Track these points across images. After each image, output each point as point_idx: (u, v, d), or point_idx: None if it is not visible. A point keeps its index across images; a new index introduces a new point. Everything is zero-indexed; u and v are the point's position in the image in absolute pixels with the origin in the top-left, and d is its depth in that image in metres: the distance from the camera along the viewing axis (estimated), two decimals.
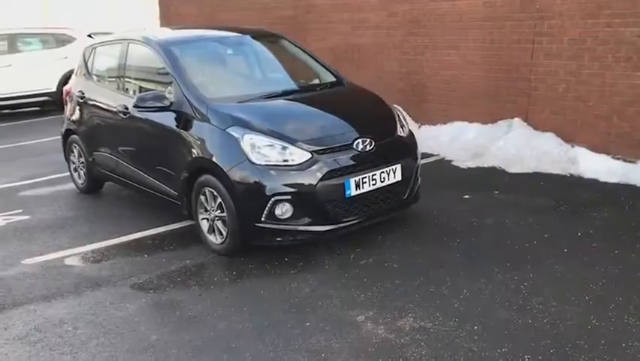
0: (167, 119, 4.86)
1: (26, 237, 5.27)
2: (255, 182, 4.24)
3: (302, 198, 4.25)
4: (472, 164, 6.85)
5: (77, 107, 6.24)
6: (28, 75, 12.15)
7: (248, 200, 4.29)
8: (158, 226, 5.29)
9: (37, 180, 7.21)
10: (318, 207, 4.29)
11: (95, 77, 6.15)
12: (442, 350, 3.17)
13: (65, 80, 12.49)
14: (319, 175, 4.26)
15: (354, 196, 4.39)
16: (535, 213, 5.16)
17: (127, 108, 5.33)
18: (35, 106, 12.90)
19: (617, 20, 6.19)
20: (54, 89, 12.54)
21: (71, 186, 6.76)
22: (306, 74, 5.60)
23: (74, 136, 6.40)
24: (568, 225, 4.88)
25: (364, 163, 4.46)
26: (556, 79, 6.76)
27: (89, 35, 13.76)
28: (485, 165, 6.76)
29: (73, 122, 6.34)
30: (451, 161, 6.99)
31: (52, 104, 12.77)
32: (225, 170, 4.33)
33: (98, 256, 4.74)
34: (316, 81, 5.48)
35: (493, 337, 3.27)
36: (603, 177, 6.10)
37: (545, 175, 6.35)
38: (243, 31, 5.93)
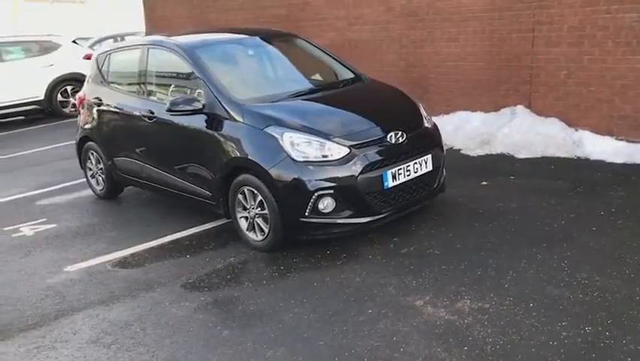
0: (199, 122, 4.95)
1: (60, 245, 5.31)
2: (298, 178, 4.37)
3: (343, 191, 4.39)
4: (480, 152, 7.08)
5: (94, 114, 6.27)
6: (14, 84, 12.01)
7: (291, 196, 4.41)
8: (190, 227, 5.38)
9: (50, 188, 7.21)
10: (358, 200, 4.43)
11: (112, 84, 6.18)
12: (505, 327, 3.35)
13: (53, 87, 12.47)
14: (359, 169, 4.40)
15: (391, 187, 4.54)
16: (555, 196, 5.38)
17: (153, 113, 5.40)
18: (20, 115, 12.74)
19: (615, 6, 6.45)
20: (42, 97, 12.45)
21: (88, 192, 6.80)
22: (326, 72, 5.74)
23: (91, 143, 6.43)
24: (589, 205, 5.10)
25: (398, 155, 4.62)
26: (558, 66, 7.00)
27: (74, 41, 13.69)
28: (494, 152, 6.99)
29: (90, 129, 6.37)
30: (459, 150, 7.20)
31: (39, 112, 12.67)
32: (267, 168, 4.44)
33: (139, 260, 4.81)
34: (337, 78, 5.61)
35: (550, 313, 3.46)
36: (609, 158, 6.37)
37: (553, 159, 6.60)
38: (258, 32, 6.04)
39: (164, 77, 5.63)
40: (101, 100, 6.17)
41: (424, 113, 5.17)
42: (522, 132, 7.17)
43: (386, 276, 4.11)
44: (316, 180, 4.36)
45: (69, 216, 6.11)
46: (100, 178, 6.48)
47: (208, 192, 5.07)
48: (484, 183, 5.95)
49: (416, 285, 3.94)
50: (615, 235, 4.47)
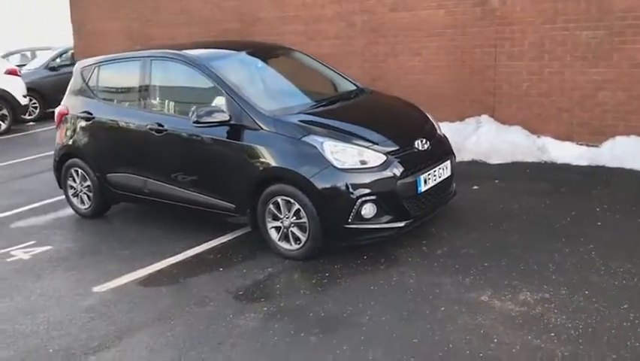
0: (221, 133, 4.91)
1: (70, 266, 5.04)
2: (342, 186, 4.47)
3: (384, 197, 4.54)
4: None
5: (81, 129, 6.00)
6: None
7: (335, 204, 4.50)
8: (205, 242, 5.29)
9: (18, 210, 6.77)
10: (397, 205, 4.60)
11: (102, 97, 5.95)
12: (576, 313, 3.65)
13: None
14: (397, 175, 4.58)
15: (423, 192, 4.76)
16: (546, 196, 5.84)
17: (162, 125, 5.28)
18: None
19: (572, 24, 7.11)
20: None
21: (65, 212, 6.49)
22: (333, 84, 5.87)
23: (75, 160, 6.14)
24: (581, 203, 5.58)
25: (426, 161, 4.85)
26: (520, 78, 7.58)
27: (4, 57, 12.85)
28: (466, 159, 7.40)
29: (75, 145, 6.08)
30: None
31: None
32: (308, 177, 4.51)
33: (170, 276, 4.68)
34: (345, 90, 5.76)
35: (608, 298, 3.80)
36: (575, 162, 6.98)
37: (524, 163, 7.13)
38: (257, 45, 6.08)
39: (174, 89, 5.53)
40: (90, 113, 5.92)
41: (434, 121, 5.44)
42: (489, 140, 7.67)
43: (437, 276, 4.29)
44: (359, 187, 4.48)
45: (60, 237, 5.78)
46: (85, 197, 6.18)
47: (231, 204, 5.03)
48: (475, 187, 6.31)
49: (470, 282, 4.16)
50: (620, 227, 4.95)
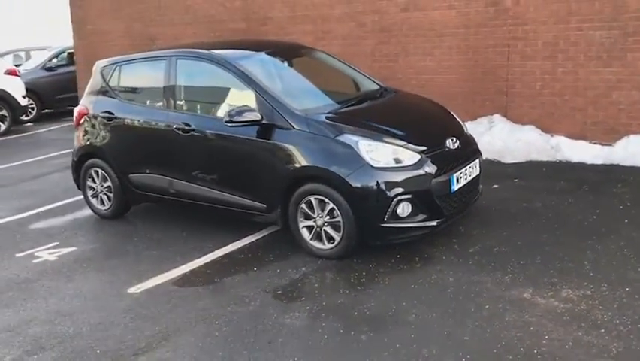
0: (252, 133, 4.90)
1: (99, 267, 4.99)
2: (377, 185, 4.47)
3: (419, 196, 4.56)
4: None
5: (102, 129, 5.96)
6: None
7: (370, 203, 4.50)
8: (232, 241, 5.27)
9: (34, 211, 6.69)
10: (431, 204, 4.61)
11: (124, 96, 5.91)
12: (621, 309, 3.69)
13: None
14: (432, 173, 4.60)
15: (455, 191, 4.78)
16: (569, 194, 5.89)
17: (189, 125, 5.26)
18: None
19: (586, 24, 7.19)
20: None
21: (83, 213, 6.42)
22: (358, 83, 5.87)
23: (96, 160, 6.09)
24: (605, 201, 5.64)
25: (457, 160, 4.87)
26: (533, 77, 7.64)
27: None
28: None
29: (96, 145, 6.03)
30: None
31: None
32: (344, 176, 4.51)
33: (205, 276, 4.66)
34: (369, 89, 5.76)
35: None
36: (590, 160, 7.06)
37: (539, 162, 7.19)
38: (279, 45, 6.07)
39: (201, 89, 5.51)
40: (112, 113, 5.87)
41: (460, 120, 5.47)
42: (503, 139, 7.72)
43: (475, 274, 4.32)
44: (395, 185, 4.49)
45: (82, 238, 5.73)
46: (105, 197, 6.13)
47: (261, 204, 5.02)
48: (495, 186, 6.35)
49: (509, 280, 4.19)
50: None
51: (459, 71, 8.17)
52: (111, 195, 6.06)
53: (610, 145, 7.14)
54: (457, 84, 8.18)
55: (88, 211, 6.38)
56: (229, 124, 4.85)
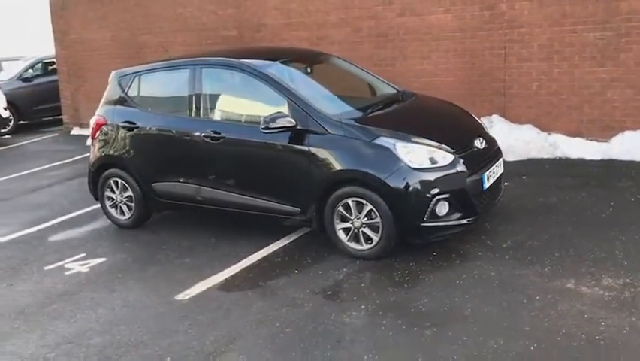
0: (284, 139, 4.99)
1: (136, 277, 5.00)
2: (417, 185, 4.62)
3: (456, 195, 4.72)
4: None
5: (123, 139, 5.95)
6: None
7: (410, 203, 4.65)
8: (265, 246, 5.34)
9: (48, 224, 6.63)
10: (466, 202, 4.79)
11: (146, 106, 5.93)
12: None
13: None
14: (466, 172, 4.78)
15: (486, 189, 4.97)
16: (579, 189, 6.16)
17: (218, 133, 5.32)
18: None
19: (580, 26, 7.51)
20: None
21: (99, 224, 6.41)
22: (376, 88, 6.02)
23: (115, 170, 6.08)
24: (616, 195, 5.91)
25: (486, 159, 5.07)
26: (529, 78, 7.93)
27: None
28: None
29: (115, 155, 6.02)
30: None
31: None
32: (383, 178, 4.64)
33: (247, 281, 4.73)
34: (390, 93, 5.90)
35: None
36: (588, 157, 7.36)
37: (540, 160, 7.48)
38: (297, 52, 6.17)
39: (230, 97, 5.57)
40: (133, 123, 5.87)
41: (481, 121, 5.67)
42: (502, 139, 7.91)
43: (514, 268, 4.50)
44: (433, 185, 4.65)
45: (108, 249, 5.71)
46: (125, 207, 6.11)
47: (295, 208, 5.11)
48: (506, 183, 6.55)
49: (549, 272, 4.39)
50: None
51: (456, 73, 8.41)
52: (132, 204, 6.05)
53: (606, 141, 7.47)
54: (455, 86, 8.40)
55: (103, 222, 6.37)
56: (265, 131, 4.93)
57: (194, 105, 5.54)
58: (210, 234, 5.77)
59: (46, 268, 5.36)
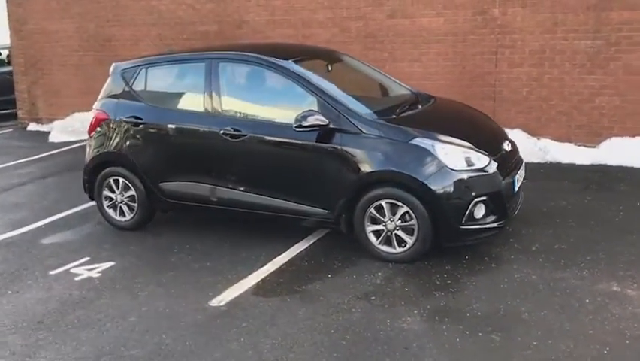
0: (312, 138, 4.83)
1: (155, 282, 4.70)
2: (458, 187, 4.56)
3: (492, 197, 4.69)
4: None
5: (127, 135, 5.60)
6: None
7: (450, 205, 4.58)
8: (287, 249, 5.14)
9: (33, 225, 6.15)
10: (500, 205, 4.76)
11: (153, 100, 5.60)
12: None
13: None
14: (501, 175, 4.75)
15: (516, 191, 4.97)
16: (584, 193, 6.28)
17: (239, 130, 5.08)
18: None
19: (571, 34, 7.69)
20: None
21: (92, 225, 6.02)
22: (392, 88, 5.92)
23: (116, 168, 5.72)
24: (620, 198, 6.06)
25: (513, 162, 5.07)
26: (520, 84, 8.06)
27: None
28: None
29: (117, 152, 5.66)
30: None
31: None
32: (422, 180, 4.55)
33: (281, 285, 4.52)
34: (411, 94, 5.80)
35: None
36: (578, 161, 7.55)
37: (532, 164, 7.49)
38: (314, 49, 6.01)
39: (253, 92, 5.35)
40: (139, 118, 5.54)
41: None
42: None
43: (553, 271, 4.50)
44: (472, 187, 4.60)
45: (114, 252, 5.34)
46: (125, 207, 5.76)
47: (323, 210, 4.95)
48: None
49: (589, 275, 4.41)
50: None
51: (447, 77, 8.44)
52: (134, 205, 5.70)
53: (593, 147, 7.67)
54: (445, 90, 8.39)
55: (97, 223, 6.02)
56: (298, 129, 4.74)
57: (211, 101, 5.27)
58: (220, 236, 5.51)
59: (50, 273, 4.96)
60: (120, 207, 5.79)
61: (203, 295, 4.40)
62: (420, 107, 5.34)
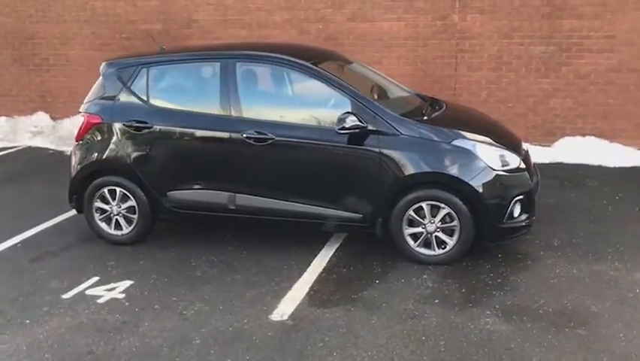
0: (344, 140, 4.71)
1: (194, 298, 4.34)
2: (500, 187, 4.65)
3: (527, 196, 4.82)
4: None
5: (129, 141, 5.14)
6: None
7: (493, 205, 4.63)
8: (315, 255, 5.00)
9: (8, 244, 5.47)
10: (531, 203, 4.90)
11: (159, 102, 5.16)
12: None
13: None
14: (532, 175, 4.91)
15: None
16: (564, 190, 6.62)
17: (264, 134, 4.84)
18: None
19: (527, 40, 8.13)
20: None
21: (79, 241, 5.48)
22: (399, 91, 5.89)
23: (111, 177, 5.23)
24: (596, 193, 6.42)
25: (531, 162, 5.26)
26: (479, 87, 8.39)
27: None
28: None
29: (114, 160, 5.18)
30: None
31: None
32: (467, 180, 4.58)
33: (332, 295, 4.34)
34: (424, 99, 5.79)
35: None
36: (538, 160, 7.90)
37: None
38: (316, 50, 5.84)
39: (278, 94, 5.12)
40: (144, 122, 5.09)
41: None
42: None
43: (588, 265, 4.70)
44: (512, 187, 4.70)
45: (123, 270, 4.85)
46: (122, 220, 5.27)
47: (356, 214, 4.84)
48: None
49: (622, 267, 4.65)
50: None
51: (408, 80, 8.52)
52: (134, 216, 5.23)
53: (548, 146, 8.15)
54: None
55: (82, 238, 5.48)
56: (342, 131, 4.59)
57: (229, 103, 4.95)
58: (234, 246, 5.22)
59: (63, 296, 4.42)
60: (117, 219, 5.27)
61: (258, 310, 4.12)
62: (441, 109, 5.35)
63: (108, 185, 5.22)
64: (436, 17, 8.34)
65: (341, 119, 4.58)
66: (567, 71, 8.07)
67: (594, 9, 7.82)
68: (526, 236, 5.23)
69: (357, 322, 3.93)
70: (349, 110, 4.71)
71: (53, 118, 9.82)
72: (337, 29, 8.67)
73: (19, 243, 5.47)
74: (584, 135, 8.14)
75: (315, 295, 4.33)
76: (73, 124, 9.36)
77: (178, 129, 5.04)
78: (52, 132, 9.53)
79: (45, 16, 9.68)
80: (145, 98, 5.16)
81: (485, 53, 8.26)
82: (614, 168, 7.44)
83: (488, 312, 4.02)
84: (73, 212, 5.84)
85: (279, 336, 3.77)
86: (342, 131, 4.59)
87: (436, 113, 5.20)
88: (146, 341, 3.75)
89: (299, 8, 8.73)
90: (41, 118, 9.81)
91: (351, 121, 4.59)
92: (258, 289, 4.43)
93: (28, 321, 4.05)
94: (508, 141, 5.08)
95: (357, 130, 4.62)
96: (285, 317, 4.02)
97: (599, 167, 7.50)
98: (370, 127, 4.67)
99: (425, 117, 4.99)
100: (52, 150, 8.98)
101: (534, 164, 5.27)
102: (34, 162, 8.43)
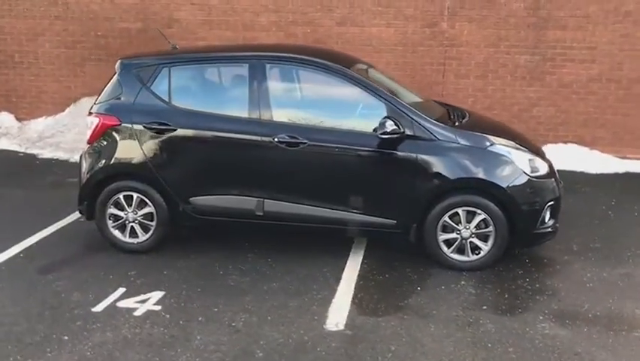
0: (386, 146, 4.67)
1: (237, 309, 4.15)
2: (536, 192, 4.71)
3: (557, 201, 4.90)
4: None
5: (149, 144, 4.88)
6: None
7: (528, 210, 4.68)
8: (344, 261, 4.93)
9: (8, 255, 5.06)
10: (559, 209, 5.00)
11: (183, 104, 4.93)
12: None
13: None
14: (558, 180, 5.00)
15: None
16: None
17: (296, 138, 4.72)
18: None
19: (513, 49, 8.33)
20: None
21: (86, 248, 5.18)
22: (417, 97, 5.86)
23: (127, 182, 4.96)
24: (591, 198, 6.63)
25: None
26: (466, 94, 8.52)
27: None
28: None
29: (133, 164, 4.92)
30: None
31: None
32: (505, 186, 4.61)
33: (380, 303, 4.27)
34: (436, 103, 5.80)
35: None
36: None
37: None
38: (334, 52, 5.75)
39: (308, 98, 5.00)
40: (166, 124, 4.85)
41: None
42: None
43: (613, 268, 4.83)
44: (545, 192, 4.78)
45: (150, 279, 4.58)
46: (138, 227, 5.01)
47: (391, 220, 4.79)
48: None
49: None
50: None
51: None
52: (151, 223, 4.97)
53: None
54: None
55: (89, 246, 5.18)
56: (383, 136, 4.52)
57: (258, 106, 4.79)
58: (257, 254, 5.05)
59: (94, 310, 4.12)
60: (132, 226, 4.99)
61: (309, 320, 4.00)
62: (465, 115, 5.36)
63: (124, 190, 4.94)
64: (424, 24, 8.41)
65: (382, 124, 4.51)
66: (551, 80, 8.31)
67: (577, 21, 8.10)
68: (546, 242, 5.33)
69: (416, 330, 3.87)
70: (385, 115, 4.64)
71: (19, 119, 9.26)
72: (326, 33, 8.59)
73: (20, 253, 5.07)
74: (565, 143, 8.41)
75: (360, 304, 4.24)
76: (44, 125, 8.92)
77: (203, 132, 4.83)
78: (18, 134, 8.97)
79: (11, 11, 9.11)
80: (167, 98, 4.91)
81: (472, 60, 8.40)
82: (597, 175, 7.70)
83: (541, 317, 4.05)
84: (68, 219, 5.56)
85: (344, 347, 3.66)
86: (384, 136, 4.52)
87: (465, 120, 5.20)
88: (206, 356, 3.55)
89: (287, 11, 8.60)
90: (6, 118, 9.22)
91: (390, 125, 4.53)
92: (300, 298, 4.29)
93: (66, 338, 3.75)
94: (533, 148, 5.15)
95: (395, 135, 4.56)
96: (342, 327, 3.90)
97: (582, 173, 7.74)
98: (408, 132, 4.62)
99: (456, 123, 4.98)
100: (22, 152, 8.43)
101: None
102: (4, 166, 7.89)
